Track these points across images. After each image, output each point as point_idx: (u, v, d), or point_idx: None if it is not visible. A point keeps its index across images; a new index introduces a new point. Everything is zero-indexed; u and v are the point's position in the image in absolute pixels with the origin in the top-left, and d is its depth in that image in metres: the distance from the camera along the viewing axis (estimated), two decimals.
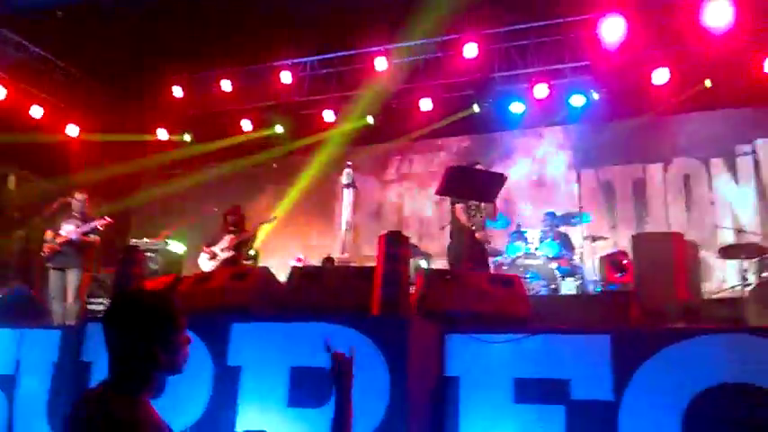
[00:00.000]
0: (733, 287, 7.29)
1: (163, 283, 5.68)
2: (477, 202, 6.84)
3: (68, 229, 7.46)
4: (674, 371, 3.85)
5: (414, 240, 9.90)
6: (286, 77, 10.67)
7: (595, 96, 9.69)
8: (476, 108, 10.20)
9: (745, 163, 9.36)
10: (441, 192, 6.44)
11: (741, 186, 9.33)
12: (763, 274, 6.95)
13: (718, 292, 7.74)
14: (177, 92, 11.07)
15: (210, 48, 10.52)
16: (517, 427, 4.04)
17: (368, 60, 10.31)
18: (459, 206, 6.91)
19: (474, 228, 6.82)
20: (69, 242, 7.41)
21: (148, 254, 8.05)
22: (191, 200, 11.18)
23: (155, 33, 10.16)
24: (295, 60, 10.80)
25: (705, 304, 7.17)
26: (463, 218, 6.86)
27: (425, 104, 10.24)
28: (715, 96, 9.23)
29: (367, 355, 3.97)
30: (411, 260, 7.45)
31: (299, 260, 8.66)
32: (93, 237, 7.55)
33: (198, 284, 5.26)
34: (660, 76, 9.16)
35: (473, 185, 6.12)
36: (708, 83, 9.15)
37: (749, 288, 6.94)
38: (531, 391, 4.08)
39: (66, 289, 7.31)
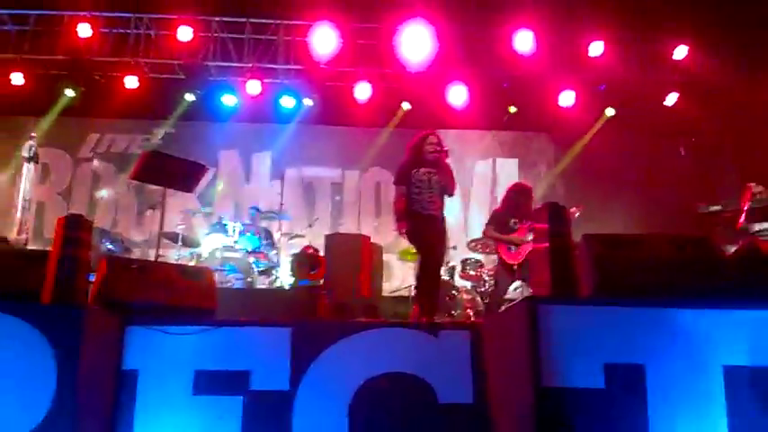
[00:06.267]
0: (408, 287, 8.12)
1: None
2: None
3: None
4: (346, 361, 4.18)
5: (106, 226, 9.28)
6: None
7: (305, 101, 10.06)
8: (189, 96, 9.90)
9: None
10: (135, 176, 6.12)
11: None
12: None
13: (396, 291, 8.57)
14: None
15: None
16: (195, 419, 4.04)
17: (70, 24, 9.40)
18: None
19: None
20: None
21: None
22: None
23: None
24: None
25: (384, 301, 7.90)
26: None
27: (131, 82, 9.65)
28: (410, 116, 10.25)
29: (32, 348, 3.63)
30: (99, 246, 6.98)
31: None
32: None
33: None
34: (361, 91, 9.85)
35: (172, 173, 5.94)
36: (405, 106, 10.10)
37: None
38: (212, 383, 4.11)
39: None
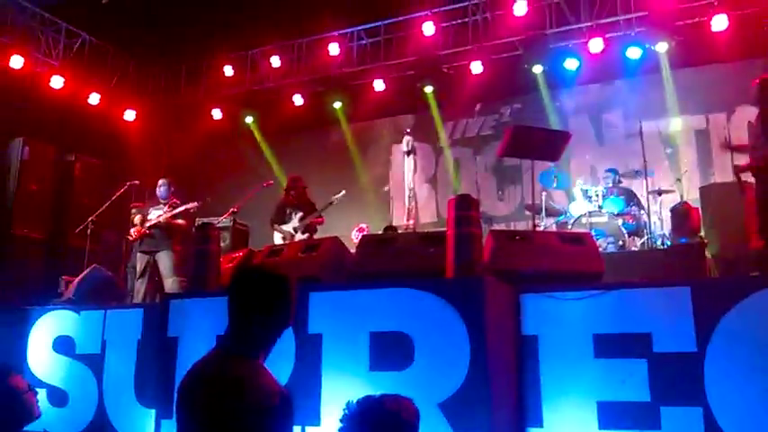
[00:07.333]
0: None
1: (237, 257, 5.83)
2: None
3: (157, 214, 7.66)
4: (759, 319, 3.80)
5: None
6: (334, 49, 10.67)
7: (656, 48, 9.38)
8: (537, 68, 9.97)
9: None
10: (504, 152, 6.37)
11: None
12: None
13: None
14: (228, 71, 11.24)
15: (257, 24, 10.62)
16: (599, 382, 4.06)
17: (415, 26, 10.23)
18: None
19: None
20: (158, 226, 7.60)
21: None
22: (250, 175, 11.19)
23: (202, 14, 10.35)
24: (342, 31, 10.78)
25: None
26: None
27: (476, 67, 10.09)
28: None
29: (446, 318, 4.03)
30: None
31: (361, 230, 8.71)
32: (181, 221, 7.70)
33: (270, 257, 5.40)
34: (718, 22, 8.81)
35: (537, 145, 6.04)
36: None
37: None
38: (611, 346, 4.08)
39: (150, 271, 7.59)
